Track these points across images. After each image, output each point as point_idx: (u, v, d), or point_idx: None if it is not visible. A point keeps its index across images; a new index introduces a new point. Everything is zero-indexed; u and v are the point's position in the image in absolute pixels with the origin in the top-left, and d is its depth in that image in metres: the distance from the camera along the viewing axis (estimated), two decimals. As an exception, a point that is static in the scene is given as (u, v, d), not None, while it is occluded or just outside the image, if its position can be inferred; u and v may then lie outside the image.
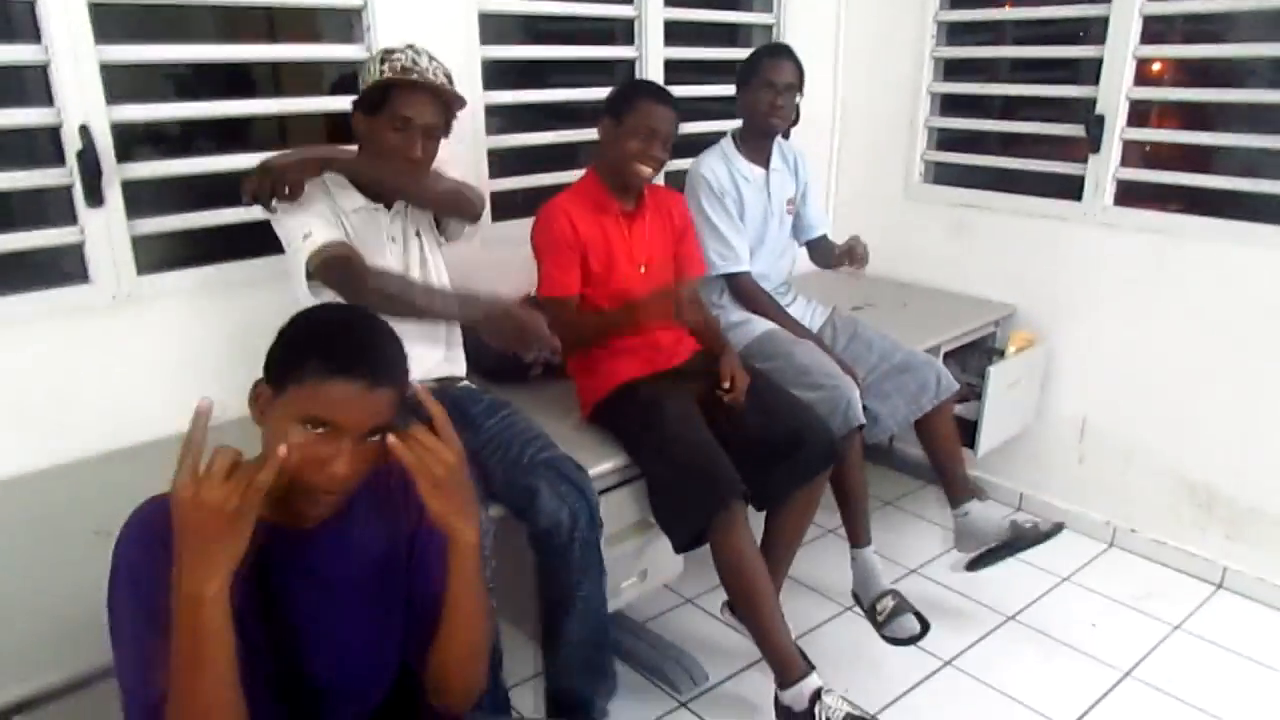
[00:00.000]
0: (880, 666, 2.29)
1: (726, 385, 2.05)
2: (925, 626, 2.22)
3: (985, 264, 3.04)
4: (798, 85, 2.38)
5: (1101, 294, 2.78)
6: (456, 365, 1.98)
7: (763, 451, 2.01)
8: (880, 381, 2.39)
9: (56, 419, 1.85)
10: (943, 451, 2.47)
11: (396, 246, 1.85)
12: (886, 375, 2.40)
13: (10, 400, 1.79)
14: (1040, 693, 2.20)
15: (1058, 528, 2.41)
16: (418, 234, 1.89)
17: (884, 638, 2.27)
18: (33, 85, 1.77)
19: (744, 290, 2.43)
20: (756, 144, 2.45)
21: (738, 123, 2.47)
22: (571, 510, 1.69)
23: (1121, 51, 2.59)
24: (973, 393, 2.78)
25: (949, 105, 3.15)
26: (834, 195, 3.34)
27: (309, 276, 1.67)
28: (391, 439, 1.05)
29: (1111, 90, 2.64)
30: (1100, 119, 2.66)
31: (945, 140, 3.18)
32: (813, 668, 1.91)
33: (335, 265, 1.66)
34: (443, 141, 1.81)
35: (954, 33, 3.06)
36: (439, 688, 1.21)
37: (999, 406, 2.73)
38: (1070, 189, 2.81)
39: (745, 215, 2.43)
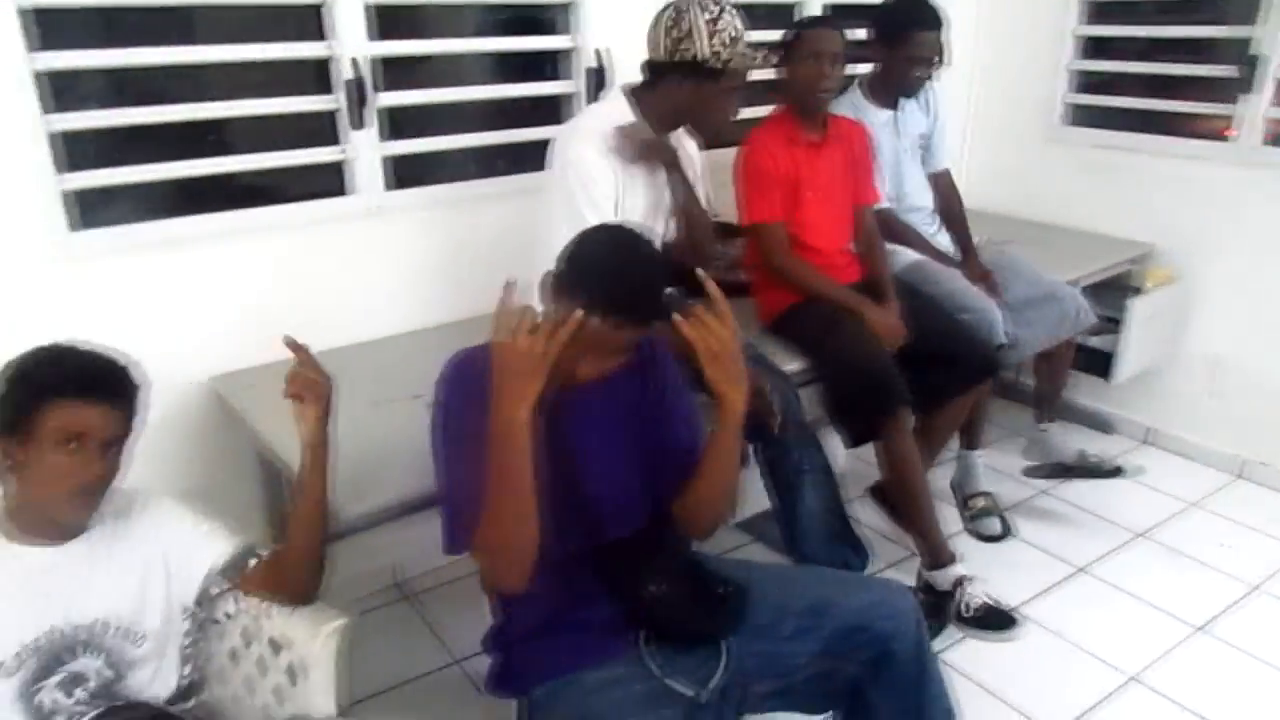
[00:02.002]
0: (1017, 569, 2.49)
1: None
2: (1007, 531, 2.62)
3: (1123, 204, 3.12)
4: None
5: (1244, 233, 2.86)
6: None
7: (926, 364, 2.21)
8: (1024, 308, 2.54)
9: (326, 310, 2.11)
10: (1055, 375, 2.74)
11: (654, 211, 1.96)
12: (1031, 303, 2.54)
13: (286, 292, 2.07)
14: (1170, 599, 2.37)
15: (1117, 470, 2.66)
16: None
17: (969, 530, 2.65)
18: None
19: (887, 223, 2.58)
20: (885, 90, 2.56)
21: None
22: (784, 396, 1.94)
23: (1281, -8, 2.64)
24: (1105, 326, 2.91)
25: (1091, 48, 3.21)
26: (972, 137, 3.44)
27: None
28: (676, 317, 1.29)
29: (1271, 30, 2.69)
30: (1254, 59, 2.72)
31: (1084, 82, 3.25)
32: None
33: None
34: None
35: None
36: (688, 521, 1.48)
37: (1138, 338, 2.86)
38: (1210, 130, 2.87)
39: (880, 155, 2.58)
